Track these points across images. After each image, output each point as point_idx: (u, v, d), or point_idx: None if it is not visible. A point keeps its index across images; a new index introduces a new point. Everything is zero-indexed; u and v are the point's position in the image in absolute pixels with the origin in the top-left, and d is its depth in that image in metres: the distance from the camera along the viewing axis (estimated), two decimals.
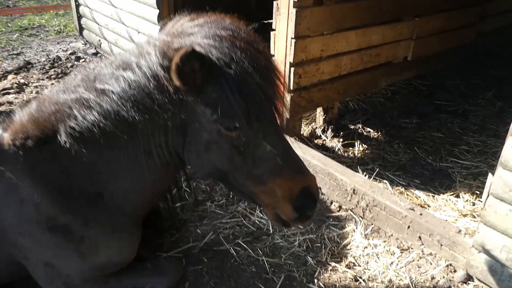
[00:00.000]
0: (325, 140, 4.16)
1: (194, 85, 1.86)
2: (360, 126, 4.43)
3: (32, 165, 2.11)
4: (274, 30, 3.53)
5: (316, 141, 4.15)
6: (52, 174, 2.13)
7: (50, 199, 2.12)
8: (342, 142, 4.11)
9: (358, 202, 3.10)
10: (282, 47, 3.49)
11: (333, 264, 2.78)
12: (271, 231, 3.08)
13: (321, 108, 4.27)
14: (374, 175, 3.58)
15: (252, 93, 1.86)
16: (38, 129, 2.07)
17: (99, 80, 2.03)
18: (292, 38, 3.39)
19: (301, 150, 3.55)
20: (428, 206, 3.29)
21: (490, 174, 2.72)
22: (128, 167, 2.17)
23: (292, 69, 3.51)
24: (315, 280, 2.65)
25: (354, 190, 3.11)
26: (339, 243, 2.97)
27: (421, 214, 2.77)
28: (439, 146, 4.16)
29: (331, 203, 3.34)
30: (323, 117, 4.30)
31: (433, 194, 3.44)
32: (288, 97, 3.63)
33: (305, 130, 4.34)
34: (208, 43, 1.86)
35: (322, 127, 4.25)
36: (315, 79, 3.75)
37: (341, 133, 4.21)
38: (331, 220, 3.20)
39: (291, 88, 3.60)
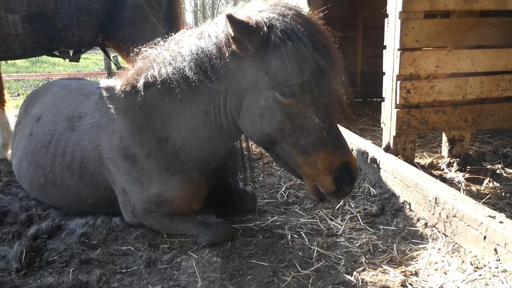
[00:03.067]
0: (446, 172, 3.69)
1: (253, 52, 2.14)
2: (500, 166, 3.76)
3: (127, 107, 2.78)
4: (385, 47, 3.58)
5: (434, 172, 3.73)
6: (138, 116, 2.74)
7: (130, 133, 2.72)
8: (467, 176, 3.57)
9: (440, 214, 2.68)
10: (389, 59, 3.48)
11: (386, 267, 2.45)
12: (339, 233, 2.93)
13: (446, 139, 3.85)
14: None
15: (309, 67, 2.07)
16: (134, 79, 2.74)
17: (178, 45, 2.59)
18: (397, 49, 3.36)
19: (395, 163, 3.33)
20: None
21: None
22: (188, 122, 2.60)
23: (398, 82, 3.42)
24: (355, 274, 2.39)
25: (436, 199, 2.71)
26: (406, 254, 2.61)
27: (501, 222, 2.23)
28: None
29: (418, 220, 2.94)
30: (448, 148, 3.85)
31: None
32: (394, 113, 3.50)
33: (424, 159, 3.94)
34: (272, 17, 2.15)
35: (447, 161, 3.80)
36: (429, 98, 3.51)
37: (468, 167, 3.66)
38: (411, 236, 2.82)
39: (397, 102, 3.47)
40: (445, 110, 3.58)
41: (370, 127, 5.88)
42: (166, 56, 2.57)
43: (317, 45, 2.11)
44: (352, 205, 3.36)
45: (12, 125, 4.70)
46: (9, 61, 5.48)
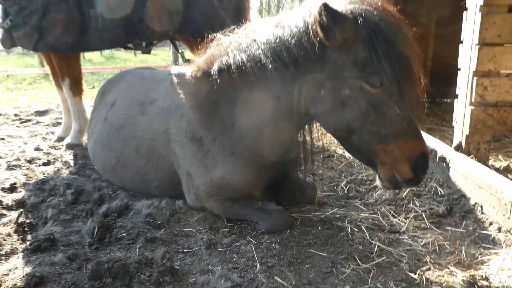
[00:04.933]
0: None
1: (341, 42, 2.15)
2: None
3: (196, 92, 2.86)
4: (462, 42, 3.39)
5: (510, 175, 3.47)
6: (206, 101, 2.81)
7: (198, 117, 2.80)
8: None
9: None
10: (466, 55, 3.29)
11: (452, 269, 2.33)
12: (403, 230, 2.82)
13: None
14: None
15: (398, 59, 2.12)
16: (206, 64, 2.81)
17: (254, 33, 2.61)
18: (476, 44, 3.17)
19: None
20: None
21: None
22: (257, 108, 2.62)
23: (475, 78, 3.23)
24: (419, 272, 2.29)
25: None
26: (475, 258, 2.45)
27: None
28: None
29: (490, 224, 2.76)
30: None
31: None
32: (468, 110, 3.31)
33: (499, 162, 3.68)
34: (364, 8, 2.16)
35: None
36: (509, 97, 3.28)
37: None
38: (482, 240, 2.66)
39: (473, 100, 3.28)
40: None
41: (438, 127, 5.62)
42: (241, 42, 2.60)
43: (404, 40, 2.15)
44: (417, 204, 3.22)
45: (88, 113, 5.02)
46: (86, 57, 5.86)
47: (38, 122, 6.65)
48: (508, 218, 2.57)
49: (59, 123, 6.29)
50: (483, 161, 3.45)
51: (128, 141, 3.20)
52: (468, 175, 3.03)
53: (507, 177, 3.39)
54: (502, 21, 3.12)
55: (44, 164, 4.31)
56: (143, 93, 3.31)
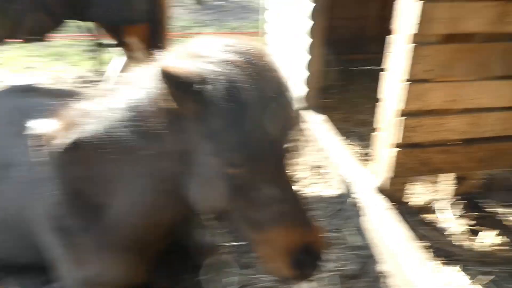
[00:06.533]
0: (446, 218, 3.14)
1: (194, 111, 1.66)
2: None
3: (64, 164, 2.16)
4: (384, 70, 2.86)
5: (430, 216, 3.18)
6: (76, 177, 2.14)
7: (65, 199, 2.16)
8: (471, 225, 3.03)
9: None
10: (391, 91, 2.79)
11: None
12: None
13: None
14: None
15: (257, 130, 1.60)
16: (64, 131, 2.10)
17: (109, 97, 1.95)
18: (403, 81, 2.66)
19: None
20: None
21: None
22: (131, 187, 2.02)
23: (402, 119, 2.76)
24: None
25: None
26: None
27: None
28: None
29: None
30: (452, 187, 3.28)
31: None
32: (391, 152, 2.88)
33: (422, 198, 3.37)
34: (214, 69, 1.61)
35: (449, 202, 3.24)
36: (436, 137, 2.88)
37: (476, 214, 3.12)
38: None
39: (397, 141, 2.84)
40: (453, 150, 2.96)
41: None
42: (100, 109, 1.95)
43: (267, 102, 1.64)
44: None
45: None
46: None
47: None
48: None
49: None
50: (404, 203, 3.12)
51: None
52: (381, 233, 2.70)
53: (424, 222, 3.09)
54: (435, 53, 2.61)
55: None
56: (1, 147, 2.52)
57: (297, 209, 1.72)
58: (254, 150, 1.62)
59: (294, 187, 1.73)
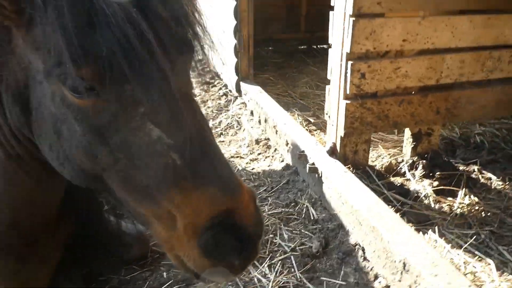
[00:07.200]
0: (409, 180, 2.79)
1: (18, 16, 1.11)
2: (476, 168, 2.89)
3: None
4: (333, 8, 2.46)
5: (393, 179, 2.81)
6: None
7: None
8: (435, 186, 2.68)
9: (410, 287, 1.76)
10: (338, 29, 2.38)
11: None
12: None
13: (409, 133, 2.91)
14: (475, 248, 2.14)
15: (111, 28, 1.00)
16: None
17: None
18: (350, 15, 2.26)
19: (344, 181, 2.39)
20: None
21: None
22: None
23: (350, 63, 2.35)
24: None
25: (404, 265, 1.78)
26: None
27: None
28: None
29: (376, 278, 2.03)
30: (412, 146, 2.93)
31: None
32: (342, 105, 2.47)
33: (381, 161, 3.01)
34: None
35: (410, 162, 2.88)
36: (391, 85, 2.50)
37: (438, 173, 2.77)
38: None
39: (347, 92, 2.43)
40: (412, 100, 2.59)
41: (313, 90, 4.91)
42: None
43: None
44: (285, 236, 2.40)
45: None
46: None
47: None
48: (400, 281, 1.83)
49: None
50: (363, 165, 2.71)
51: None
52: (344, 200, 2.25)
53: (391, 183, 2.73)
54: None
55: None
56: None
57: (208, 159, 1.09)
58: (112, 60, 1.00)
59: (204, 133, 1.13)
